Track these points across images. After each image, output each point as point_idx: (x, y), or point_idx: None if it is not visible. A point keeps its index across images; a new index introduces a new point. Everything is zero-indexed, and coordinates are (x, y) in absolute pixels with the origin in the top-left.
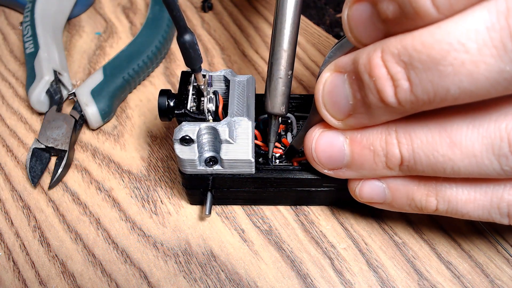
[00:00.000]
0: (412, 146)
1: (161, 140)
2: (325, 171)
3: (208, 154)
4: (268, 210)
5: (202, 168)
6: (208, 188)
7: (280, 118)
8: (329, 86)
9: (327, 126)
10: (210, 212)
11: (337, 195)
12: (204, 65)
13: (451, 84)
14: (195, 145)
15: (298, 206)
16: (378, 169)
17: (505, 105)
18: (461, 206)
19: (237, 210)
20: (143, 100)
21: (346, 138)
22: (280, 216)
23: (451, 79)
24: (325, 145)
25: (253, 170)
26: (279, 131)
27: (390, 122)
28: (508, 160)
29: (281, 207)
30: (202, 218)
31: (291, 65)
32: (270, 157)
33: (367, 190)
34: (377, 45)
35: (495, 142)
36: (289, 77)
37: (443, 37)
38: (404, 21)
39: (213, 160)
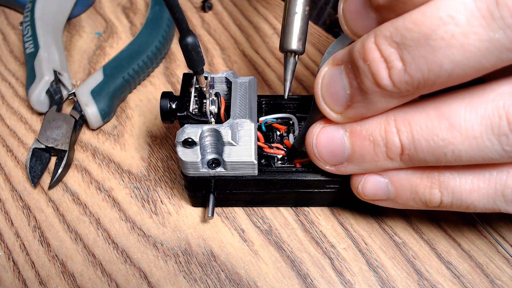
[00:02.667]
0: (412, 133)
1: (161, 140)
2: (327, 168)
3: (210, 156)
4: (268, 210)
5: (204, 171)
6: (210, 191)
7: (297, 57)
8: (327, 79)
9: (328, 122)
10: (213, 215)
11: (339, 196)
12: (204, 66)
13: (444, 58)
14: (198, 147)
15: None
16: (379, 160)
17: (501, 84)
18: (466, 196)
19: (237, 210)
20: (143, 100)
21: (346, 131)
22: (280, 216)
23: (444, 53)
24: (326, 139)
25: (255, 172)
26: (281, 132)
27: (389, 111)
28: (509, 139)
29: (281, 207)
30: (203, 219)
31: (307, 0)
32: (286, 98)
33: (370, 186)
34: (371, 32)
35: (494, 121)
36: (306, 12)
37: (432, 13)
38: (395, 6)
39: (216, 162)
